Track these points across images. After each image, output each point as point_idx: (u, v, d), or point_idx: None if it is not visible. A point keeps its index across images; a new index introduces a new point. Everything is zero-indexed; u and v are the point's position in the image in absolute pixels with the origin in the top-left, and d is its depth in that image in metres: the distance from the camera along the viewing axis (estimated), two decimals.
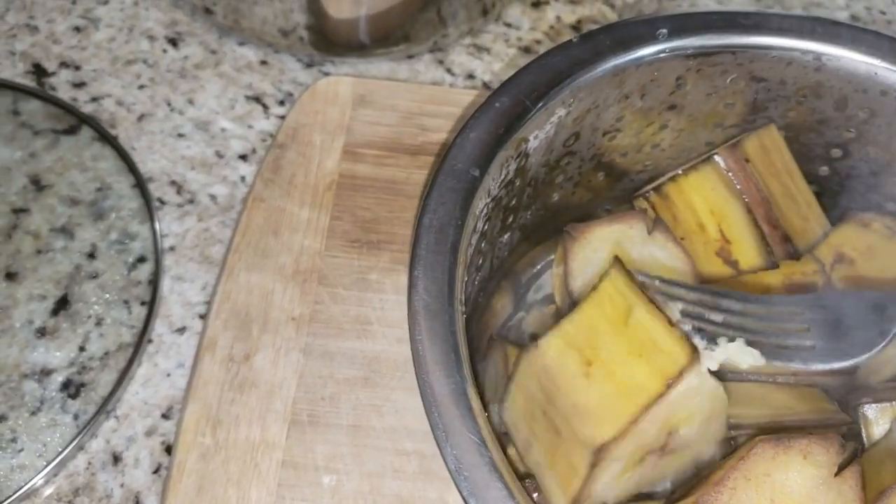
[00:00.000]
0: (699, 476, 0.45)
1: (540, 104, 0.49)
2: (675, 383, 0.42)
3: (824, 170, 0.57)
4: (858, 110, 0.53)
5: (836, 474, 0.39)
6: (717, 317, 0.49)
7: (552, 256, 0.61)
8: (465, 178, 0.45)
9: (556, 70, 0.50)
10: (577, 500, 0.43)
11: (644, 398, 0.42)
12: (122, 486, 0.54)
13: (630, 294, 0.45)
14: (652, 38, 0.51)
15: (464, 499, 0.37)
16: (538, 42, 0.78)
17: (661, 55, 0.51)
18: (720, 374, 0.46)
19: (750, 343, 0.48)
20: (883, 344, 0.49)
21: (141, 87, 0.71)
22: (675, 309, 0.49)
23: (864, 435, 0.50)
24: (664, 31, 0.51)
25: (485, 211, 0.48)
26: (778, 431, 0.42)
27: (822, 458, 0.39)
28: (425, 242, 0.43)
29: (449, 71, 0.75)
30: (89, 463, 0.55)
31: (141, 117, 0.70)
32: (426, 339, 0.40)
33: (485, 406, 0.50)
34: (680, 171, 0.54)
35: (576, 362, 0.44)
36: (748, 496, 0.39)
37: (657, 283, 0.50)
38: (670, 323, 0.44)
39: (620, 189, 0.60)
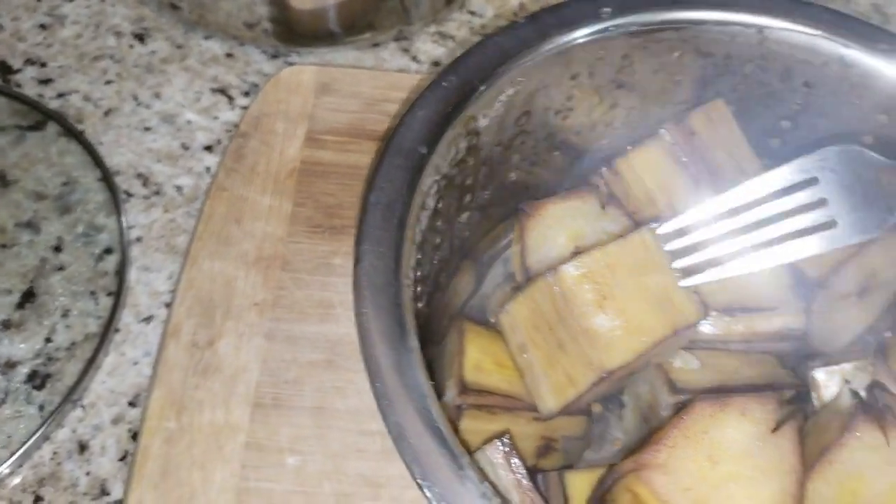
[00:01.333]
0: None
1: (487, 83, 0.50)
2: (682, 331, 0.47)
3: (775, 142, 0.58)
4: (802, 81, 0.53)
5: (773, 430, 0.40)
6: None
7: (512, 235, 0.61)
8: (413, 155, 0.46)
9: (502, 50, 0.51)
10: (566, 407, 0.48)
11: (653, 337, 0.47)
12: (87, 474, 0.55)
13: (656, 252, 0.49)
14: (596, 17, 0.52)
15: (406, 465, 0.37)
16: None
17: (606, 33, 0.52)
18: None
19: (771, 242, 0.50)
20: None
21: (108, 82, 0.72)
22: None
23: (814, 398, 0.51)
24: (608, 9, 0.51)
25: (435, 188, 0.48)
26: (724, 393, 0.43)
27: (759, 415, 0.40)
28: (372, 219, 0.44)
29: (414, 59, 0.76)
30: (55, 453, 0.55)
31: (108, 112, 0.70)
32: (371, 312, 0.41)
33: (441, 380, 0.51)
34: (629, 148, 0.55)
35: (592, 293, 0.48)
36: (686, 453, 0.39)
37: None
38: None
39: (579, 168, 0.61)
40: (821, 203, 0.49)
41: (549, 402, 0.48)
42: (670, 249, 0.50)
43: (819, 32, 0.51)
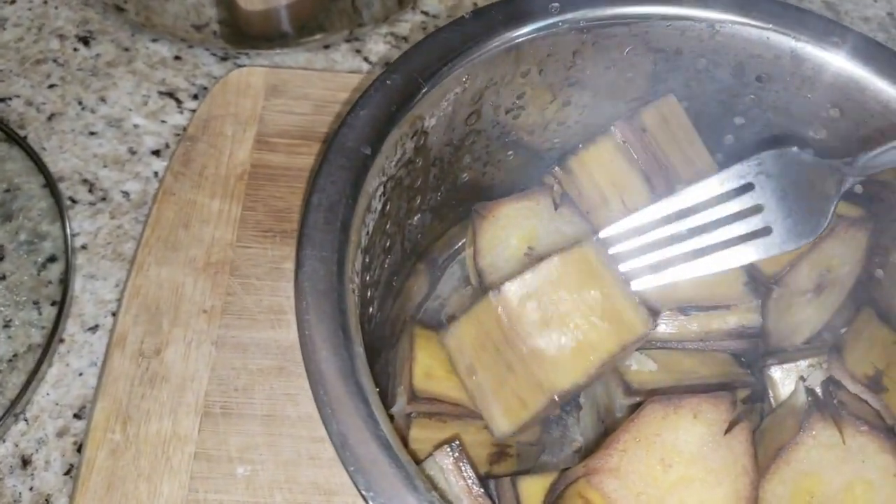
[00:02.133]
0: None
1: (433, 81, 0.48)
2: (630, 346, 0.46)
3: (729, 138, 0.57)
4: (755, 76, 0.53)
5: (725, 432, 0.39)
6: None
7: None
8: (356, 156, 0.45)
9: (448, 47, 0.49)
10: (520, 428, 0.47)
11: (601, 355, 0.46)
12: (31, 489, 0.53)
13: (599, 265, 0.48)
14: (545, 12, 0.51)
15: (350, 475, 0.36)
16: None
17: (555, 28, 0.51)
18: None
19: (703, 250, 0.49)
20: (828, 219, 0.48)
21: (51, 86, 0.70)
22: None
23: (771, 396, 0.50)
24: (556, 4, 0.51)
25: (381, 190, 0.47)
26: (679, 394, 0.42)
27: (712, 417, 0.39)
28: (313, 221, 0.42)
29: (366, 60, 0.75)
30: None
31: (51, 117, 0.69)
32: (313, 318, 0.40)
33: (393, 387, 0.50)
34: (581, 146, 0.54)
35: (537, 312, 0.47)
36: (638, 457, 0.39)
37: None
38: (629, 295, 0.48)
39: (533, 168, 0.60)
40: (756, 209, 0.49)
41: (503, 425, 0.47)
42: (615, 252, 0.49)
43: (770, 26, 0.51)
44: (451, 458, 0.41)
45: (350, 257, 0.43)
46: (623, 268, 0.50)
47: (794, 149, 0.48)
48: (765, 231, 0.48)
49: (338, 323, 0.40)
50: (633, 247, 0.49)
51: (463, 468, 0.41)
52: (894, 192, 0.52)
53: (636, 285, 0.49)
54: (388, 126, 0.46)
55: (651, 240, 0.49)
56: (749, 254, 0.49)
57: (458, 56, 0.49)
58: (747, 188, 0.48)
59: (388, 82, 0.47)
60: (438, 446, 0.43)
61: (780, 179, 0.48)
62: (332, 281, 0.41)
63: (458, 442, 0.42)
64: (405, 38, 0.76)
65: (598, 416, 0.50)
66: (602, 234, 0.51)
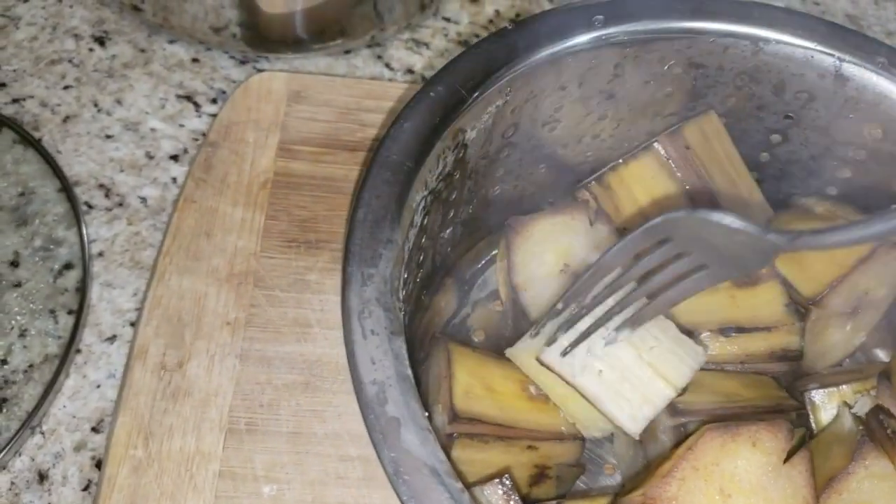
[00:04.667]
0: (649, 468, 0.44)
1: (477, 93, 0.47)
2: None
3: (765, 156, 0.57)
4: (796, 95, 0.52)
5: (785, 461, 0.38)
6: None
7: (496, 251, 0.59)
8: (401, 169, 0.44)
9: (492, 58, 0.48)
10: None
11: None
12: None
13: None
14: (588, 26, 0.50)
15: None
16: (477, 36, 0.76)
17: (598, 42, 0.50)
18: None
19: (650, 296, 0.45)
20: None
21: (66, 87, 0.68)
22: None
23: (812, 420, 0.50)
24: (600, 17, 0.50)
25: (423, 204, 0.46)
26: (727, 418, 0.42)
27: (771, 445, 0.38)
28: (359, 237, 0.41)
29: (388, 66, 0.74)
30: (12, 483, 0.52)
31: (66, 119, 0.67)
32: (360, 339, 0.39)
33: (427, 406, 0.49)
34: (620, 161, 0.53)
35: None
36: (697, 486, 0.38)
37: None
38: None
39: (564, 182, 0.59)
40: (683, 255, 0.42)
41: None
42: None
43: (814, 45, 0.50)
44: (502, 493, 0.40)
45: (396, 274, 0.42)
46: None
47: (702, 212, 0.40)
48: (701, 266, 0.42)
49: (387, 344, 0.39)
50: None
51: (512, 503, 0.40)
52: None
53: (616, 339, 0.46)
54: (432, 138, 0.45)
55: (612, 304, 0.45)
56: (695, 286, 0.43)
57: (502, 68, 0.48)
58: (664, 242, 0.42)
59: (431, 94, 0.46)
60: (482, 470, 0.42)
61: (695, 238, 0.41)
62: (380, 299, 0.40)
63: (508, 476, 0.41)
64: (426, 45, 0.75)
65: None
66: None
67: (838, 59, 0.50)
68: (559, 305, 0.45)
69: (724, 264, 0.41)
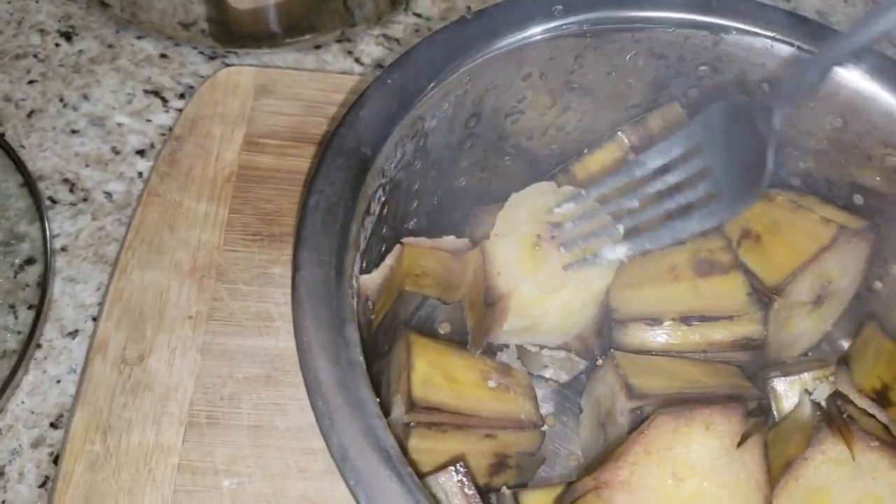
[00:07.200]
0: (608, 451, 0.43)
1: (434, 82, 0.47)
2: None
3: None
4: (758, 84, 0.52)
5: (738, 445, 0.38)
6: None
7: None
8: (355, 156, 0.44)
9: (451, 47, 0.48)
10: None
11: None
12: (3, 502, 0.50)
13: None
14: (548, 15, 0.50)
15: (350, 489, 0.35)
16: None
17: (558, 31, 0.50)
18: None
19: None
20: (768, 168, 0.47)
21: (31, 82, 0.68)
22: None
23: (774, 409, 0.50)
24: (560, 7, 0.49)
25: (380, 192, 0.46)
26: (685, 403, 0.41)
27: (724, 429, 0.38)
28: (311, 224, 0.41)
29: (357, 61, 0.73)
30: None
31: (31, 113, 0.66)
32: (311, 325, 0.38)
33: (388, 396, 0.48)
34: (586, 151, 0.53)
35: None
36: (649, 470, 0.37)
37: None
38: None
39: (529, 173, 0.58)
40: (705, 174, 0.47)
41: None
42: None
43: (774, 34, 0.50)
44: (456, 480, 0.39)
45: (349, 261, 0.41)
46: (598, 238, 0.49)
47: (743, 98, 0.47)
48: (713, 196, 0.47)
49: (336, 330, 0.38)
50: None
51: (467, 491, 0.39)
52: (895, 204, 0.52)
53: (609, 254, 0.48)
54: (389, 126, 0.45)
55: (618, 209, 0.49)
56: (701, 221, 0.47)
57: (461, 57, 0.48)
58: (697, 151, 0.47)
59: (389, 81, 0.46)
60: (439, 457, 0.41)
61: (725, 134, 0.46)
62: (331, 286, 0.40)
63: (462, 463, 0.40)
64: (397, 40, 0.75)
65: (599, 420, 0.49)
66: (561, 208, 0.50)
67: (798, 48, 0.50)
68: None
69: (732, 193, 0.46)
